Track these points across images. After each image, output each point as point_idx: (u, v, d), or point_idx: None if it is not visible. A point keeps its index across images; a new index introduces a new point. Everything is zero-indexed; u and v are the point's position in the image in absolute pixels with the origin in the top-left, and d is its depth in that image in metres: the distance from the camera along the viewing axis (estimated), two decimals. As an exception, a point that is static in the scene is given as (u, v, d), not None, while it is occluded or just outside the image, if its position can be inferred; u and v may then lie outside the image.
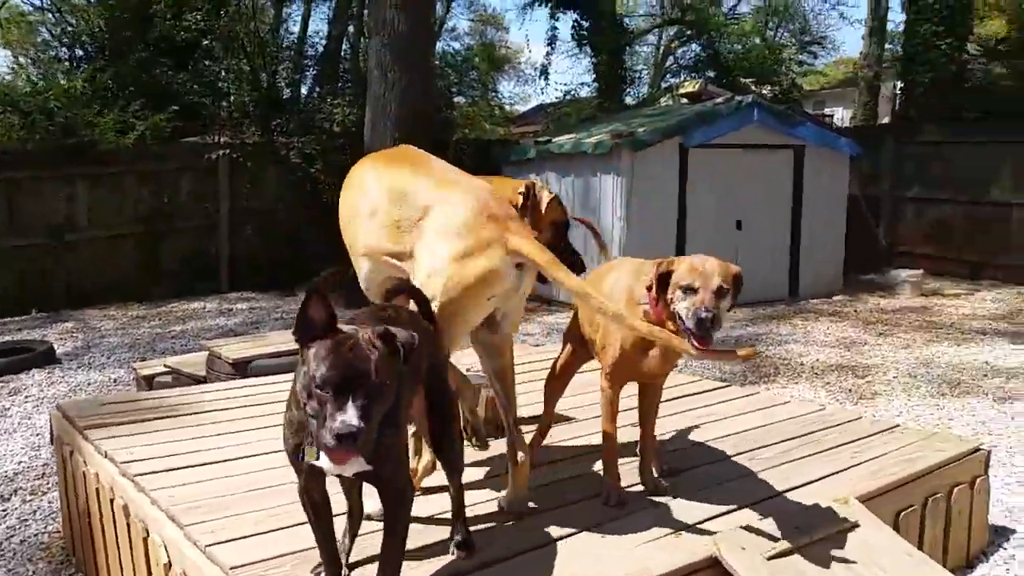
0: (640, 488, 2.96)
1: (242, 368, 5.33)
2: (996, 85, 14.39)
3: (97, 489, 3.18)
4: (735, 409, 4.01)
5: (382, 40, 10.52)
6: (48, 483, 4.52)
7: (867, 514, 2.82)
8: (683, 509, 2.78)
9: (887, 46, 18.64)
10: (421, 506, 2.61)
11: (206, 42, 13.24)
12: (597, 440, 2.99)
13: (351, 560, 2.41)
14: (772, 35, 23.61)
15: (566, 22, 17.78)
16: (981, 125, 12.66)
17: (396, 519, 2.12)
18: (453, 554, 2.44)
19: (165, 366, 5.98)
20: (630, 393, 3.54)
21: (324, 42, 16.66)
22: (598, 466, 3.02)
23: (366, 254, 2.92)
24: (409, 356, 1.92)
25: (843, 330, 8.63)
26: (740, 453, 3.37)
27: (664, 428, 3.36)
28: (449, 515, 2.56)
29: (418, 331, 2.31)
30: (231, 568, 2.31)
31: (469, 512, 2.68)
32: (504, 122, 20.13)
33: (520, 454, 2.75)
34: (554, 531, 2.60)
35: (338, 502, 2.35)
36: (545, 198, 3.36)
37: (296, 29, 17.27)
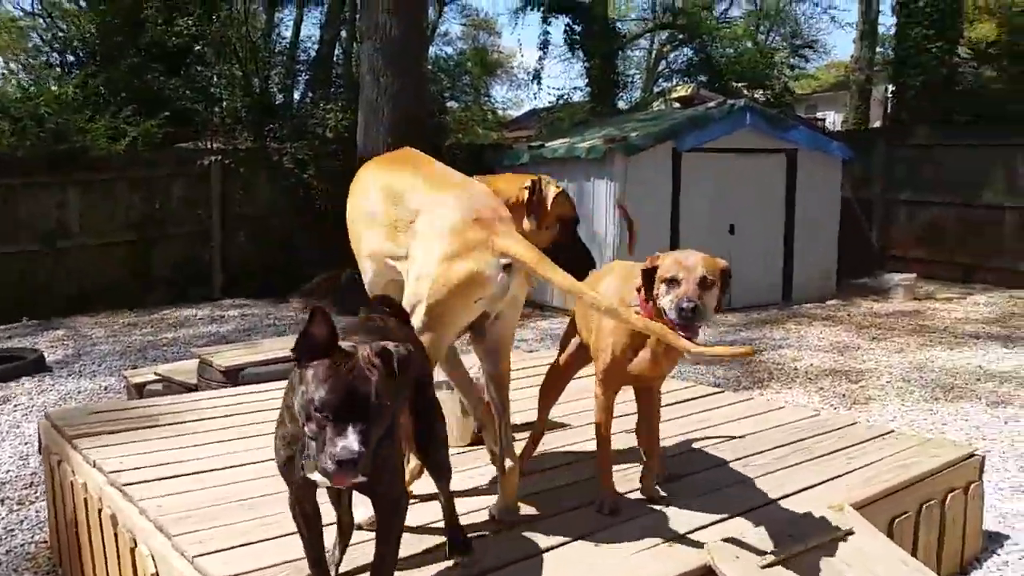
0: (634, 496, 2.94)
1: (233, 376, 5.30)
2: (987, 88, 14.45)
3: (85, 499, 3.14)
4: (729, 415, 4.00)
5: (374, 44, 10.52)
6: (36, 493, 4.48)
7: (862, 521, 2.81)
8: (677, 517, 2.76)
9: (878, 49, 18.73)
10: (413, 514, 2.58)
11: (198, 47, 13.20)
12: (591, 447, 2.98)
13: (341, 570, 2.39)
14: (764, 39, 23.67)
15: (558, 27, 17.86)
16: (972, 128, 12.70)
17: (390, 528, 2.10)
18: (452, 559, 2.42)
19: (156, 374, 5.93)
20: (624, 400, 3.53)
21: (316, 47, 16.67)
22: (592, 473, 2.99)
23: (369, 257, 2.95)
24: (406, 372, 1.90)
25: (836, 334, 8.63)
26: (734, 459, 3.35)
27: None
28: (441, 523, 2.53)
29: (407, 341, 2.29)
30: (219, 580, 2.29)
31: (461, 520, 2.66)
32: (497, 127, 20.12)
33: (508, 461, 2.73)
34: (547, 540, 2.58)
35: (327, 512, 2.32)
36: (551, 193, 3.22)
37: (288, 34, 17.28)
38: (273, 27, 16.86)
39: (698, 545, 2.53)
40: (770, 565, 2.49)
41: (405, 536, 2.19)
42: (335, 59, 16.54)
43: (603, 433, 2.86)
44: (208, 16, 12.95)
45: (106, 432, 3.62)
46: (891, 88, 15.95)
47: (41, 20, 16.47)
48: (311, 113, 13.04)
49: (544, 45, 18.33)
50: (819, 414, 4.22)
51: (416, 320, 2.58)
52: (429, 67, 15.35)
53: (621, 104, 18.83)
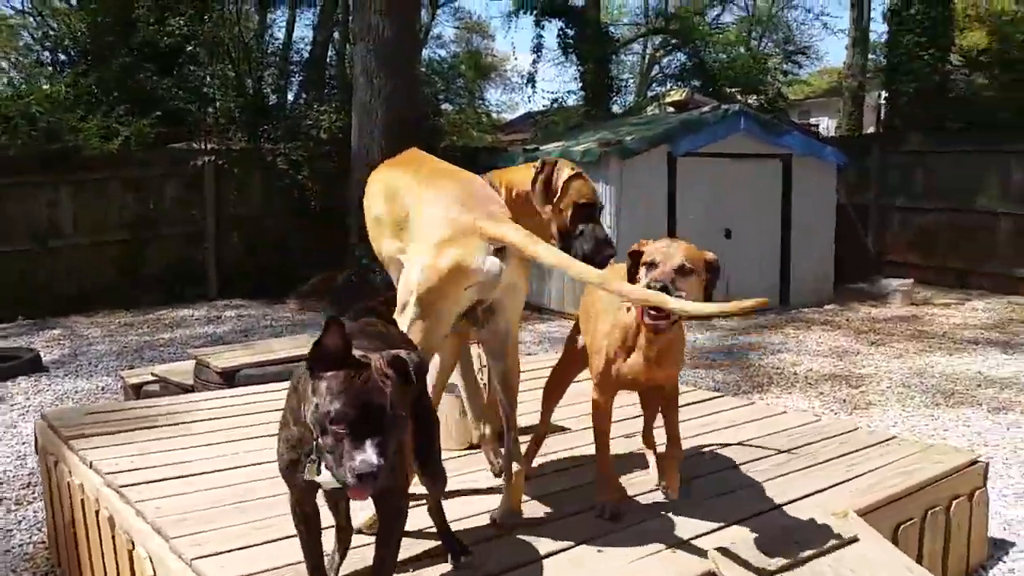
0: (637, 500, 2.91)
1: (230, 377, 5.25)
2: (978, 96, 14.55)
3: (82, 500, 3.10)
4: (729, 420, 3.98)
5: (367, 46, 10.50)
6: (33, 493, 4.43)
7: (866, 528, 2.79)
8: (680, 523, 2.73)
9: (870, 56, 18.80)
10: (412, 518, 2.55)
11: (190, 48, 13.15)
12: (591, 451, 2.94)
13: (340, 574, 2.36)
14: (757, 45, 23.75)
15: (551, 31, 17.84)
16: (965, 135, 12.76)
17: (391, 532, 2.08)
18: (456, 564, 2.39)
19: (153, 375, 5.89)
20: (624, 403, 3.51)
21: (309, 48, 16.63)
22: (593, 478, 2.96)
23: (387, 259, 2.97)
24: (421, 380, 1.89)
25: (835, 339, 8.63)
26: (736, 465, 3.33)
27: (659, 439, 3.31)
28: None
29: (408, 345, 2.26)
30: (219, 584, 2.25)
31: (461, 525, 2.64)
32: (491, 129, 20.12)
33: (515, 465, 2.70)
34: (548, 545, 2.55)
35: (327, 515, 2.29)
36: (563, 175, 3.10)
37: (281, 35, 17.23)
38: (266, 28, 16.79)
39: (701, 551, 2.51)
40: (774, 572, 2.47)
41: (405, 540, 2.17)
42: (328, 60, 16.52)
43: (602, 437, 2.83)
44: (200, 16, 12.90)
45: (103, 433, 3.57)
46: (884, 95, 16.02)
47: (32, 19, 16.40)
48: (305, 114, 13.01)
49: (538, 49, 18.35)
50: (820, 419, 4.21)
51: (407, 312, 2.56)
52: (423, 69, 15.34)
53: (615, 108, 18.84)
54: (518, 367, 2.79)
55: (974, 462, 3.39)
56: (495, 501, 2.78)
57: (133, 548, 2.65)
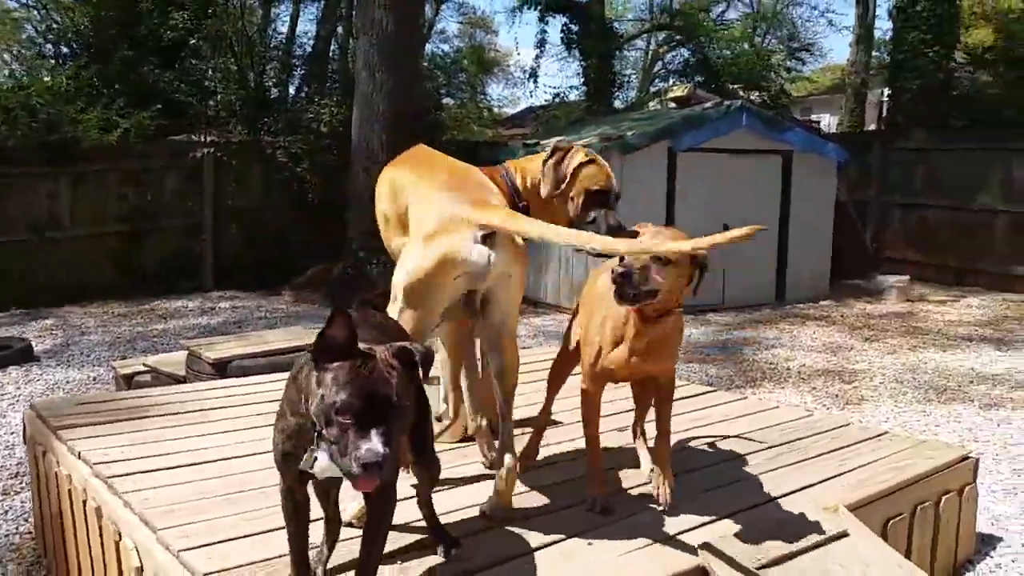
0: (628, 494, 2.91)
1: (222, 368, 5.25)
2: (982, 93, 14.51)
3: (70, 490, 3.09)
4: (722, 414, 3.97)
5: (370, 40, 10.49)
6: (21, 483, 4.42)
7: (856, 523, 2.78)
8: (670, 517, 2.71)
9: (874, 53, 18.76)
10: (402, 511, 2.55)
11: (193, 41, 13.13)
12: (582, 444, 2.94)
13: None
14: (760, 41, 23.71)
15: (555, 26, 17.83)
16: (968, 133, 12.72)
17: (380, 524, 2.08)
18: (447, 556, 2.39)
19: (145, 365, 5.89)
20: (616, 397, 3.50)
21: (312, 42, 16.63)
22: (583, 471, 2.96)
23: (396, 254, 2.93)
24: (427, 371, 1.90)
25: (830, 335, 8.63)
26: (728, 459, 3.32)
27: (649, 433, 3.30)
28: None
29: (405, 336, 2.26)
30: (204, 574, 2.25)
31: (452, 517, 2.63)
32: (493, 124, 20.10)
33: (508, 460, 2.68)
34: (538, 538, 2.54)
35: (314, 509, 2.28)
36: (575, 160, 3.00)
37: (284, 29, 17.24)
38: (269, 22, 16.80)
39: (691, 545, 2.50)
40: (764, 566, 2.46)
41: (394, 532, 2.16)
42: (331, 54, 16.51)
43: (591, 430, 2.82)
44: (203, 10, 12.88)
45: (92, 423, 3.57)
46: (887, 92, 15.98)
47: (35, 12, 16.38)
48: (306, 108, 12.99)
49: (541, 44, 18.35)
50: (812, 414, 4.20)
51: (398, 303, 2.56)
52: (425, 64, 15.32)
53: (617, 104, 18.83)
54: (516, 363, 2.75)
55: (964, 458, 3.39)
56: (486, 494, 2.77)
57: (120, 539, 2.64)
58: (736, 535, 2.57)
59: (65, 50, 14.48)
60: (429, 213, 2.59)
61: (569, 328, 3.17)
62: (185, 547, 2.40)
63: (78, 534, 3.03)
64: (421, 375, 1.90)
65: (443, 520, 2.54)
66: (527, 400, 3.66)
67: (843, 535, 2.70)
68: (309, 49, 16.44)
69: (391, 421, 1.77)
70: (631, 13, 26.30)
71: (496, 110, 24.04)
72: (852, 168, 12.30)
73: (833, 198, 11.26)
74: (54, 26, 15.06)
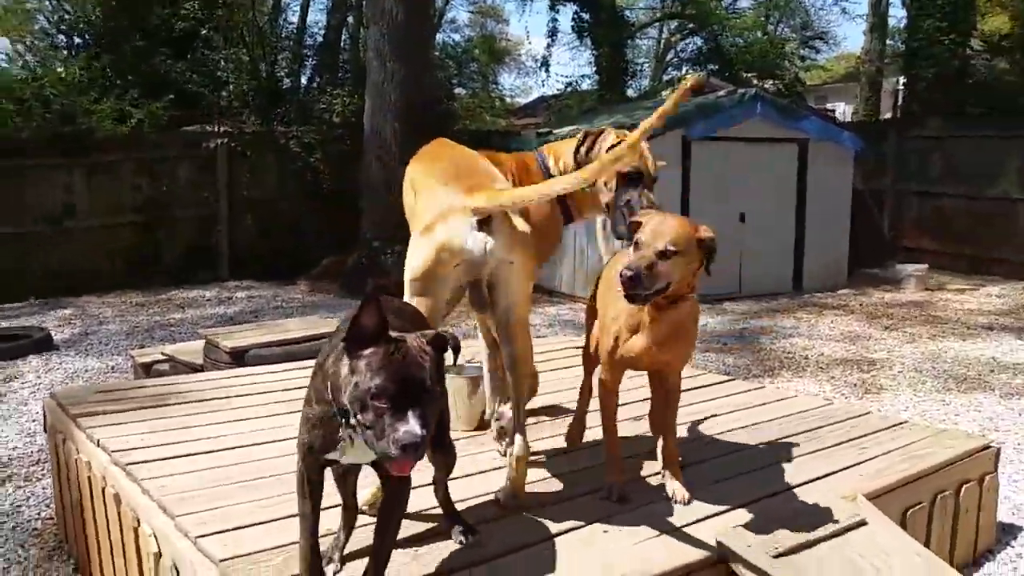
0: (645, 482, 2.90)
1: (239, 357, 5.26)
2: (999, 81, 14.35)
3: (89, 477, 3.12)
4: (739, 403, 3.95)
5: (380, 30, 10.48)
6: (42, 470, 4.47)
7: (875, 511, 2.76)
8: (687, 505, 2.71)
9: (888, 41, 18.60)
10: (415, 499, 2.55)
11: (204, 31, 13.16)
12: (599, 433, 2.93)
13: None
14: (774, 29, 23.54)
15: (566, 14, 17.74)
16: (984, 120, 12.60)
17: (395, 509, 2.09)
18: (461, 543, 2.39)
19: (163, 354, 5.91)
20: (633, 386, 3.49)
21: (323, 32, 16.61)
22: (600, 459, 2.95)
23: None
24: (457, 356, 1.93)
25: (848, 324, 8.58)
26: (745, 448, 3.31)
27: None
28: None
29: (421, 320, 2.26)
30: (221, 560, 2.25)
31: (468, 505, 2.63)
32: (505, 114, 20.06)
33: (519, 445, 2.67)
34: (554, 526, 2.53)
35: (331, 495, 2.28)
36: (607, 144, 2.92)
37: (295, 19, 17.21)
38: (280, 12, 16.79)
39: (708, 534, 2.49)
40: (781, 555, 2.45)
41: (410, 519, 2.16)
42: (342, 44, 16.50)
43: (609, 418, 2.81)
44: (215, 0, 12.89)
45: (111, 411, 3.59)
46: (902, 80, 15.85)
47: (48, 2, 16.43)
48: (318, 98, 13.00)
49: (552, 33, 18.29)
50: (831, 403, 4.18)
51: (406, 293, 2.58)
52: (436, 53, 15.28)
53: (630, 92, 18.74)
54: (527, 352, 2.73)
55: (985, 447, 3.36)
56: (501, 482, 2.77)
57: (139, 525, 2.65)
58: (753, 524, 2.55)
59: (78, 41, 14.54)
60: (429, 205, 2.60)
61: (588, 317, 3.16)
62: (202, 533, 2.41)
63: (98, 520, 3.05)
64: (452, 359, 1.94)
65: (458, 507, 2.54)
66: (543, 388, 3.66)
67: (861, 524, 2.68)
68: (320, 39, 16.44)
69: (426, 404, 1.78)
70: (643, 1, 26.16)
71: (508, 100, 23.98)
72: (868, 157, 12.20)
73: (849, 187, 11.18)
74: (66, 17, 15.10)
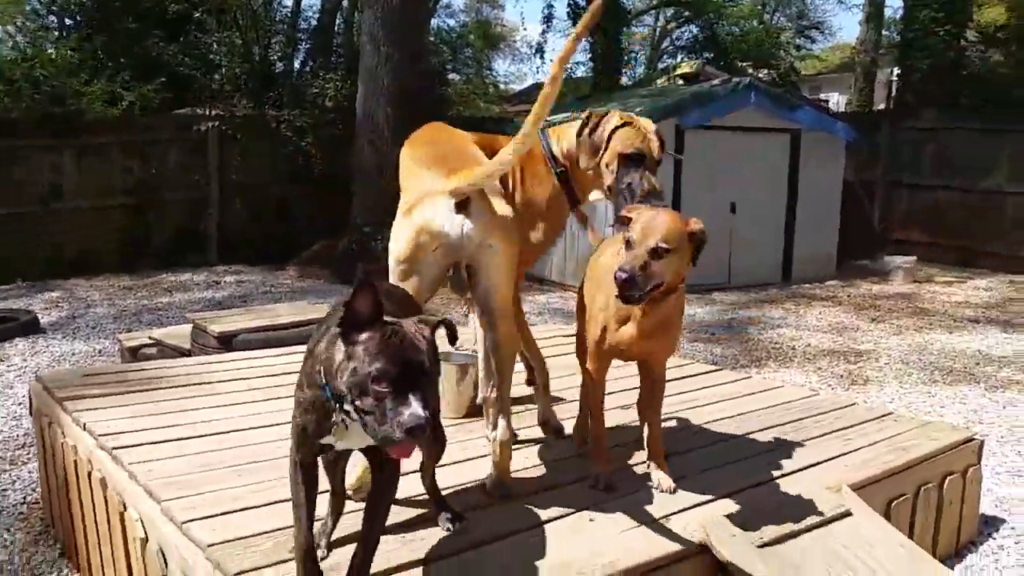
0: (632, 471, 2.91)
1: (227, 342, 5.25)
2: (994, 73, 14.35)
3: (75, 461, 3.11)
4: (726, 393, 3.96)
5: (375, 13, 10.42)
6: (29, 453, 4.45)
7: (859, 502, 2.78)
8: (673, 494, 2.72)
9: (884, 32, 18.59)
10: (403, 486, 2.56)
11: (198, 14, 13.04)
12: (587, 422, 2.93)
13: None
14: (770, 19, 23.51)
15: (561, 1, 17.64)
16: (978, 113, 12.62)
17: (384, 495, 2.09)
18: (449, 529, 2.40)
19: (150, 338, 5.90)
20: (621, 375, 3.49)
21: (317, 15, 16.47)
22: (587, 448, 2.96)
23: None
24: (455, 341, 1.95)
25: (836, 315, 8.61)
26: (731, 438, 3.32)
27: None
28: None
29: (413, 307, 2.25)
30: (208, 545, 2.25)
31: (456, 491, 2.65)
32: (498, 100, 19.99)
33: (501, 429, 2.66)
34: (541, 514, 2.54)
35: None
36: (610, 125, 2.85)
37: (289, 2, 17.04)
38: (275, -5, 16.61)
39: (693, 523, 2.50)
40: (766, 544, 2.47)
41: (397, 507, 2.16)
42: (336, 28, 16.37)
43: (595, 408, 2.82)
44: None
45: (97, 395, 3.58)
46: (897, 71, 15.84)
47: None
48: (311, 82, 12.92)
49: (548, 19, 18.19)
50: (817, 394, 4.19)
51: (391, 279, 2.57)
52: (431, 38, 15.20)
53: (624, 80, 18.69)
54: (510, 339, 2.69)
55: (969, 439, 3.38)
56: (489, 469, 2.77)
57: (125, 510, 2.65)
58: (738, 513, 2.57)
59: (69, 22, 14.38)
60: (412, 187, 2.59)
61: (579, 306, 3.15)
62: (189, 518, 2.41)
63: (84, 505, 3.04)
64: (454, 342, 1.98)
65: (446, 494, 2.54)
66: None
67: (846, 515, 2.70)
68: (314, 22, 16.31)
69: (426, 387, 1.79)
70: (639, -11, 26.05)
71: (502, 87, 23.90)
72: (860, 148, 12.22)
73: (841, 178, 11.20)
74: (58, -2, 14.94)
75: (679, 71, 15.04)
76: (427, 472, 2.50)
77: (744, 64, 18.58)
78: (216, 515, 2.45)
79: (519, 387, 3.48)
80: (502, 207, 2.55)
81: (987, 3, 16.30)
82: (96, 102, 10.92)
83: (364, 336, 1.80)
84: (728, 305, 9.10)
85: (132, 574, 2.62)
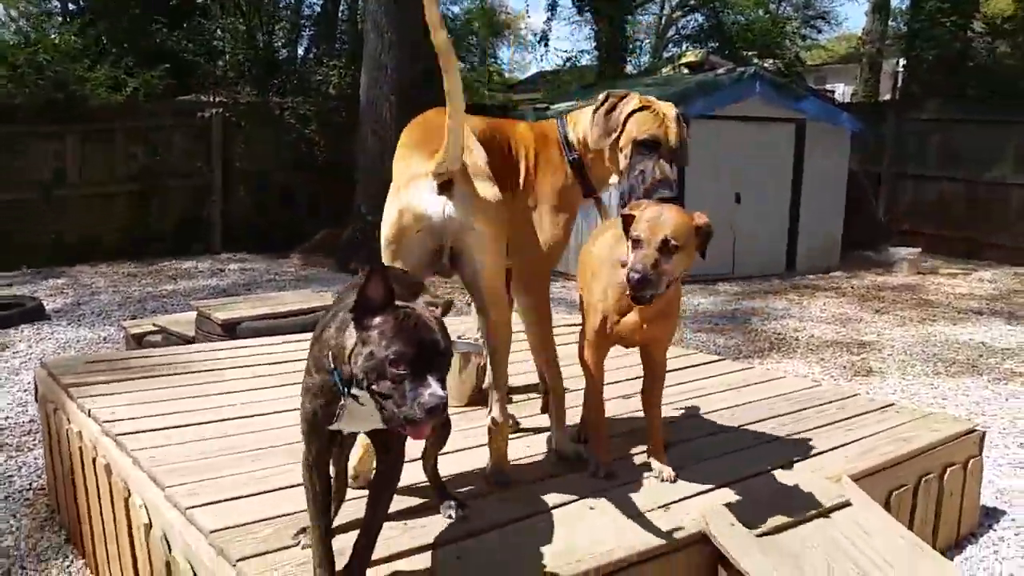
0: (631, 461, 2.92)
1: (231, 329, 5.27)
2: (1000, 64, 14.28)
3: (80, 448, 3.13)
4: (728, 383, 3.97)
5: (379, 1, 10.37)
6: (34, 439, 4.48)
7: (859, 493, 2.79)
8: (673, 483, 2.73)
9: (890, 22, 18.48)
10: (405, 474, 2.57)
11: (201, 0, 13.01)
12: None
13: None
14: (776, 8, 23.36)
15: (566, -11, 17.57)
16: (984, 104, 12.56)
17: (389, 480, 2.10)
18: (450, 517, 2.41)
19: (155, 325, 5.91)
20: (622, 364, 3.50)
21: (321, 2, 16.42)
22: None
23: None
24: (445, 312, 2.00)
25: (839, 306, 8.61)
26: (732, 428, 3.33)
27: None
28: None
29: (418, 288, 2.25)
30: (211, 531, 2.27)
31: (457, 479, 2.66)
32: (503, 88, 19.93)
33: (495, 414, 2.66)
34: (542, 502, 2.56)
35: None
36: (628, 108, 2.74)
37: (294, -12, 16.98)
38: (278, -19, 16.56)
39: (694, 512, 2.51)
40: (765, 534, 2.48)
41: (399, 495, 2.17)
42: (340, 15, 16.33)
43: (595, 396, 2.82)
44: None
45: (102, 382, 3.59)
46: (903, 61, 15.77)
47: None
48: (314, 69, 12.90)
49: (552, 7, 18.11)
50: (819, 385, 4.20)
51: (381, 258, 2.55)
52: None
53: (629, 68, 18.62)
54: (504, 327, 2.66)
55: (970, 431, 3.39)
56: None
57: (129, 496, 2.67)
58: (738, 503, 2.58)
59: (72, 7, 14.34)
60: (398, 171, 2.57)
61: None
62: (193, 504, 2.43)
63: (89, 491, 3.06)
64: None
65: (447, 482, 2.56)
66: (530, 365, 3.67)
67: (845, 505, 2.71)
68: (318, 9, 16.26)
69: (443, 368, 1.81)
70: (645, -23, 25.90)
71: (507, 75, 23.84)
72: (866, 138, 12.18)
73: (846, 168, 11.17)
74: (62, -18, 14.93)
75: (684, 60, 14.99)
76: (429, 459, 2.51)
77: (749, 53, 18.48)
78: (220, 502, 2.47)
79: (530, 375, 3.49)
80: (486, 189, 2.50)
81: (994, -7, 16.23)
82: (100, 88, 10.91)
83: (378, 320, 1.81)
84: (732, 295, 9.10)
85: (136, 560, 2.63)
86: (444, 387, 1.77)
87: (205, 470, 2.70)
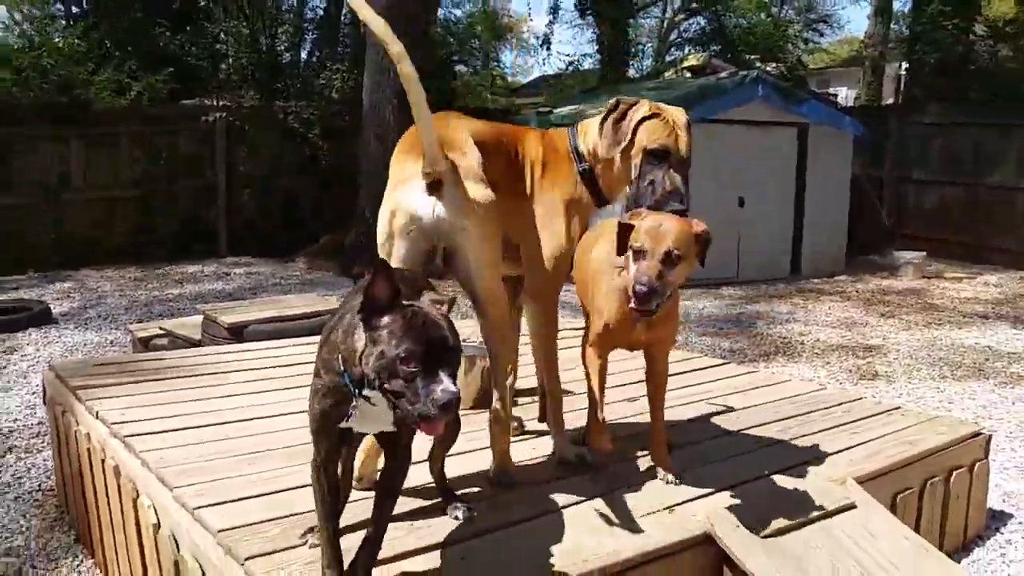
0: (637, 463, 2.92)
1: (237, 333, 5.28)
2: (1002, 68, 14.29)
3: (88, 449, 3.14)
4: (734, 387, 3.97)
5: (381, 4, 10.39)
6: (43, 441, 4.49)
7: (864, 495, 2.79)
8: (678, 485, 2.73)
9: (892, 26, 18.50)
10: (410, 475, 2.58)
11: (204, 3, 13.05)
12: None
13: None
14: (778, 11, 23.38)
15: (569, -8, 17.59)
16: (986, 107, 12.56)
17: (396, 481, 2.11)
18: (457, 518, 2.42)
19: (161, 329, 5.93)
20: (627, 368, 3.51)
21: (324, 6, 16.46)
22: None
23: None
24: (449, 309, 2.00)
25: (844, 310, 8.60)
26: (738, 430, 3.33)
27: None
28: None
29: (421, 285, 2.26)
30: (219, 531, 2.28)
31: (462, 481, 2.67)
32: (505, 92, 19.96)
33: (495, 412, 2.68)
34: (547, 503, 2.56)
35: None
36: (638, 115, 2.68)
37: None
38: (281, -15, 16.60)
39: (699, 513, 2.52)
40: (770, 535, 2.48)
41: (405, 496, 2.19)
42: (342, 18, 16.37)
43: (596, 395, 2.80)
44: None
45: (110, 384, 3.61)
46: (905, 65, 15.77)
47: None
48: (317, 73, 12.92)
49: (555, 10, 18.14)
50: (825, 388, 4.20)
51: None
52: (437, 29, 15.17)
53: (632, 72, 18.65)
54: (503, 327, 2.68)
55: (976, 434, 3.39)
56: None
57: (137, 497, 2.68)
58: (743, 505, 2.58)
59: (75, 10, 14.38)
60: (394, 171, 2.58)
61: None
62: (200, 505, 2.44)
63: (97, 492, 3.08)
64: None
65: (451, 484, 2.57)
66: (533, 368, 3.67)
67: (850, 507, 2.71)
68: (320, 12, 16.31)
69: (453, 364, 1.83)
70: (647, -20, 25.93)
71: (509, 79, 23.88)
72: (868, 142, 12.18)
73: (849, 172, 11.17)
74: (65, -14, 14.98)
75: (686, 63, 15.00)
76: (436, 461, 2.52)
77: (752, 57, 18.49)
78: (227, 502, 2.48)
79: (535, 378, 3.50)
80: (477, 191, 2.49)
81: (996, -3, 16.24)
82: (104, 92, 10.94)
83: (386, 320, 1.82)
84: (736, 299, 9.10)
85: (145, 559, 2.65)
86: (455, 383, 1.79)
87: (212, 471, 2.72)
